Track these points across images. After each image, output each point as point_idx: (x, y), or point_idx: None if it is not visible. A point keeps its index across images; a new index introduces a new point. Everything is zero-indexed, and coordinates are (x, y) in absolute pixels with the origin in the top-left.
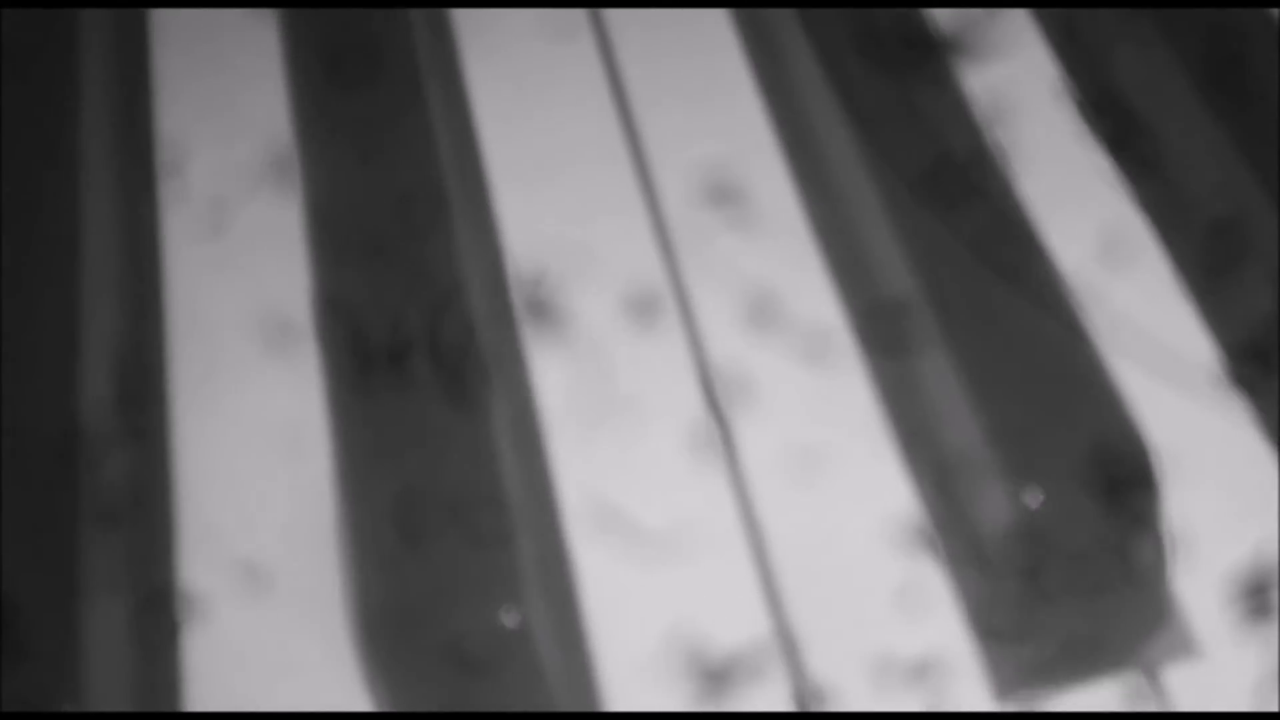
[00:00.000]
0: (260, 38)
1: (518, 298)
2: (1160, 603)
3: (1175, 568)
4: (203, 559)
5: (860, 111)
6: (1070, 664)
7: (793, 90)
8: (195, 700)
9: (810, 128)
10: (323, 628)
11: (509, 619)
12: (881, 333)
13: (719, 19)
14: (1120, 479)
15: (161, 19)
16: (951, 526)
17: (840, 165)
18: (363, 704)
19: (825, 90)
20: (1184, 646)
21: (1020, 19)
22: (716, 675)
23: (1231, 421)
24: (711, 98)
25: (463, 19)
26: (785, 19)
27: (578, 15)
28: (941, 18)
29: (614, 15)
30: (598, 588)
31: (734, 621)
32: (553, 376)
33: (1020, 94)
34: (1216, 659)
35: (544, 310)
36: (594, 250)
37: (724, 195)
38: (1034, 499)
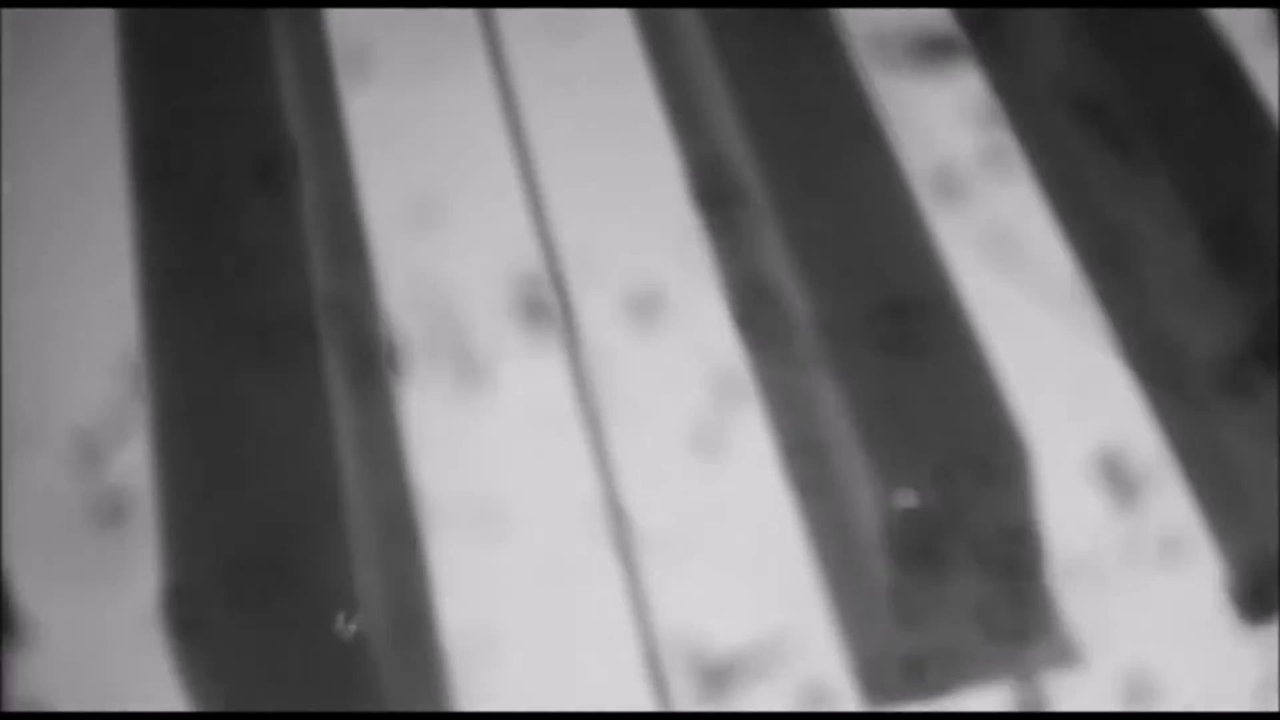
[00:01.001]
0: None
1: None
2: (1041, 608)
3: (1050, 567)
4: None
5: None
6: (945, 670)
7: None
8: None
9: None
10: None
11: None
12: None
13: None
14: (994, 470)
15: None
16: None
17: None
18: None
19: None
20: (1064, 655)
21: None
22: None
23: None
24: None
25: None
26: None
27: None
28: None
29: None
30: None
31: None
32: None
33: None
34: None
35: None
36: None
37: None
38: (906, 498)
